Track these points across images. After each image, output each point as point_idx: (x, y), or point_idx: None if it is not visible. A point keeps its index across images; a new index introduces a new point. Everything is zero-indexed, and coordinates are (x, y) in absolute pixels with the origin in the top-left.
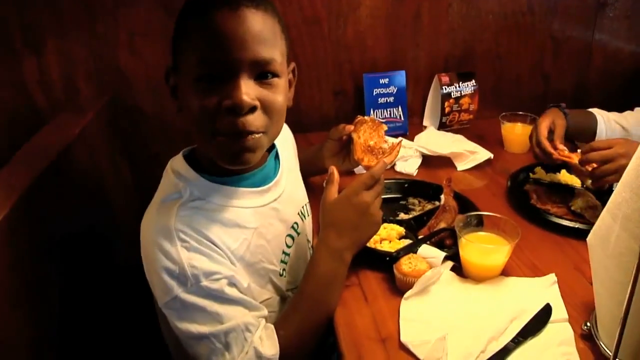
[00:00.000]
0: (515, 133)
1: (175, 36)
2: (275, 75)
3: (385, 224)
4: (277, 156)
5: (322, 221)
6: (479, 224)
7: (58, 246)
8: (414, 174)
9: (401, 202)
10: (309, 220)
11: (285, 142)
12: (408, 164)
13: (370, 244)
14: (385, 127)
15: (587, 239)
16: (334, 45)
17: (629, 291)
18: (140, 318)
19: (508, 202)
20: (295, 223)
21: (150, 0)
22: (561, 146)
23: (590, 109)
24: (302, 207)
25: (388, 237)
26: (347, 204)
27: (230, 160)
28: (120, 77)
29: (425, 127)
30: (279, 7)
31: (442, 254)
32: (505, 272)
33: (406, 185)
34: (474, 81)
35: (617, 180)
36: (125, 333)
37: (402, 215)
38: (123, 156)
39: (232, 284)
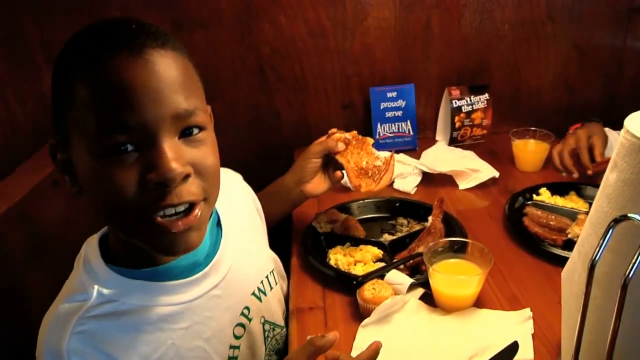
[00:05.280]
0: (528, 150)
1: (55, 95)
2: (202, 128)
3: (362, 246)
4: (219, 223)
5: None
6: (460, 250)
7: (49, 254)
8: (412, 192)
9: (390, 222)
10: (274, 292)
11: (233, 202)
12: (406, 181)
13: (344, 266)
14: (371, 141)
15: (562, 274)
16: (341, 58)
17: (577, 331)
18: None
19: (504, 226)
20: (247, 308)
21: (158, 16)
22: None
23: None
24: (261, 282)
25: (362, 260)
26: None
27: (170, 249)
28: None
29: (437, 141)
30: (283, 20)
31: (409, 281)
32: (480, 303)
33: (397, 205)
34: (487, 94)
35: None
36: None
37: (386, 236)
38: None
39: None
